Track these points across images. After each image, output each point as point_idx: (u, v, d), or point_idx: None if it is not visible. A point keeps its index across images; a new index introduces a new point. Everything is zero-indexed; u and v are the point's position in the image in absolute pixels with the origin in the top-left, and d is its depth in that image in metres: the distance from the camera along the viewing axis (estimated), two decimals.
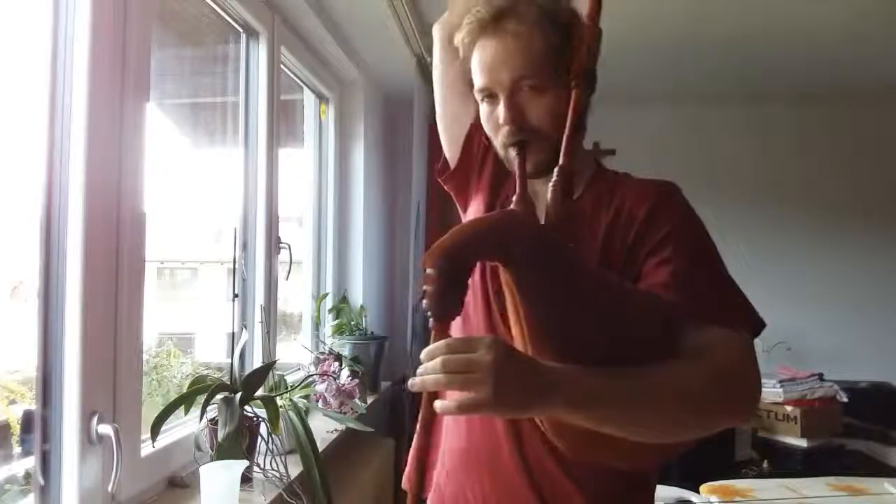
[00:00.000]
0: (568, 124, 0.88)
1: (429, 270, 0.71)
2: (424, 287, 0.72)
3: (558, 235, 0.81)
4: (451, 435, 1.00)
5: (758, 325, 0.85)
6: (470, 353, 0.70)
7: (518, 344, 0.77)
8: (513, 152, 0.92)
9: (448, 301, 0.72)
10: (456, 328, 1.00)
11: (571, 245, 0.81)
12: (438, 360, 0.70)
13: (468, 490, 0.95)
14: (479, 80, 0.93)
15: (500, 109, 0.91)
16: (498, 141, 0.95)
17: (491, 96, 0.93)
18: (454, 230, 0.73)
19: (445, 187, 1.15)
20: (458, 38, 0.95)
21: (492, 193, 1.05)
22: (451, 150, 1.13)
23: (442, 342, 0.72)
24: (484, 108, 0.95)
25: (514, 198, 0.91)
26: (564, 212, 0.86)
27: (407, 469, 1.03)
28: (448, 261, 0.70)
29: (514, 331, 0.78)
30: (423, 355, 0.73)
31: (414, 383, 0.73)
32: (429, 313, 0.73)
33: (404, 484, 1.02)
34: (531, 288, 0.73)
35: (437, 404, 0.72)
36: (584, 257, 0.87)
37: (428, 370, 0.71)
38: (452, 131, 1.11)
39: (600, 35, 0.89)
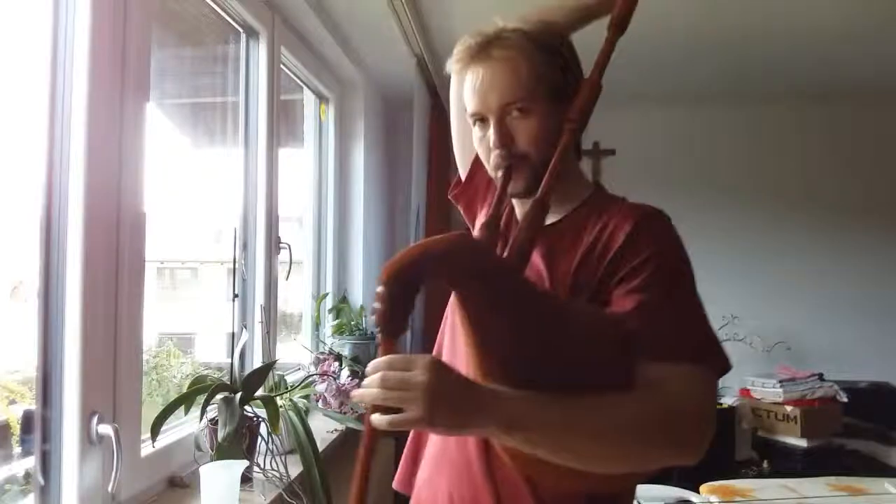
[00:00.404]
0: (553, 161, 0.90)
1: (378, 288, 0.74)
2: (374, 304, 0.74)
3: (510, 261, 0.84)
4: (432, 440, 1.02)
5: (723, 364, 0.85)
6: (407, 371, 0.73)
7: (471, 365, 0.79)
8: (499, 174, 0.95)
9: (395, 318, 0.74)
10: (447, 350, 1.02)
11: (521, 272, 0.84)
12: (378, 375, 0.74)
13: (439, 494, 0.96)
14: (469, 106, 0.96)
15: (490, 134, 0.93)
16: (490, 164, 0.97)
17: (482, 120, 0.95)
18: (407, 249, 0.76)
19: (456, 204, 1.17)
20: (449, 65, 0.98)
21: (490, 208, 1.08)
22: (462, 164, 1.18)
23: (384, 358, 0.76)
24: (476, 132, 0.97)
25: (483, 220, 0.94)
26: (529, 241, 0.86)
27: (398, 472, 1.04)
28: (395, 280, 0.73)
29: (467, 352, 0.80)
30: (367, 368, 0.77)
31: (355, 395, 0.77)
32: (377, 329, 0.76)
33: (394, 485, 1.05)
34: (473, 310, 0.75)
35: (374, 418, 0.75)
36: (555, 280, 0.88)
37: (369, 384, 0.75)
38: (465, 147, 1.14)
39: (600, 90, 0.92)
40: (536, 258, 0.91)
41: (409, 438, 1.06)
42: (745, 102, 3.33)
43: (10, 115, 1.13)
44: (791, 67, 2.87)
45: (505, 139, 0.92)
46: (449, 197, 1.18)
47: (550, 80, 0.92)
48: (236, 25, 1.83)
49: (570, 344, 0.78)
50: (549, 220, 0.94)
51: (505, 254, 0.94)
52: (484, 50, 0.92)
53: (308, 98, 2.53)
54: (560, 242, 0.92)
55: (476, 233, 0.91)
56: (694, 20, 2.32)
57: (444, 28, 2.43)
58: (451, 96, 1.16)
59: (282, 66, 2.04)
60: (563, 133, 0.91)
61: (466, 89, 0.95)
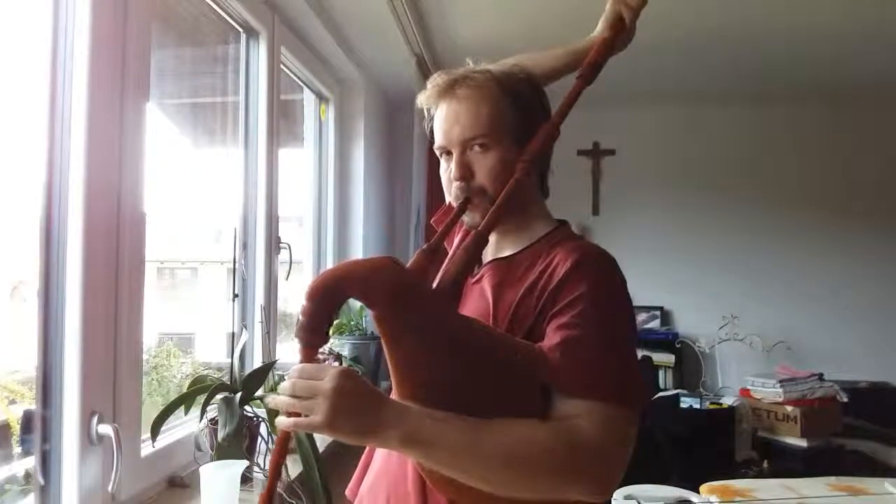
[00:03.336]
0: (500, 197, 0.93)
1: (303, 302, 0.78)
2: (299, 316, 0.79)
3: (439, 287, 0.87)
4: (378, 452, 1.03)
5: (641, 404, 0.86)
6: (316, 379, 0.77)
7: (392, 384, 0.83)
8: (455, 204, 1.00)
9: (315, 331, 0.79)
10: None
11: (450, 298, 0.87)
12: (289, 381, 0.79)
13: None
14: (436, 139, 1.01)
15: (452, 166, 0.99)
16: (451, 194, 1.02)
17: (447, 153, 1.00)
18: (332, 268, 0.81)
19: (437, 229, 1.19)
20: (420, 101, 1.03)
21: (457, 246, 1.12)
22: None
23: (297, 366, 0.80)
24: (442, 164, 1.03)
25: (425, 246, 0.96)
26: (462, 270, 0.89)
27: (351, 482, 1.06)
28: (318, 296, 0.78)
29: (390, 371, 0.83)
30: (286, 376, 0.81)
31: (269, 401, 0.78)
32: (298, 340, 0.80)
33: (346, 493, 1.06)
34: (386, 332, 0.79)
35: (279, 419, 0.80)
36: (499, 311, 0.91)
37: (282, 390, 0.80)
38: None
39: (558, 134, 0.98)
40: (487, 288, 0.95)
41: (365, 451, 1.06)
42: (745, 102, 3.33)
43: (10, 115, 1.13)
44: (791, 67, 2.87)
45: (464, 172, 0.97)
46: (431, 222, 1.22)
47: (513, 120, 0.97)
48: (236, 25, 1.83)
49: (487, 375, 0.81)
50: (507, 252, 1.00)
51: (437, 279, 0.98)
52: (451, 88, 0.98)
53: (308, 98, 2.53)
54: (510, 275, 0.95)
55: (413, 257, 0.94)
56: (694, 20, 2.32)
57: (444, 28, 2.43)
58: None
59: (282, 66, 2.04)
60: (516, 171, 0.95)
61: (435, 124, 1.01)
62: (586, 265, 0.90)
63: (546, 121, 1.01)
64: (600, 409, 0.81)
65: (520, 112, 0.98)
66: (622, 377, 0.86)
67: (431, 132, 1.03)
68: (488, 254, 1.04)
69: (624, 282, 0.93)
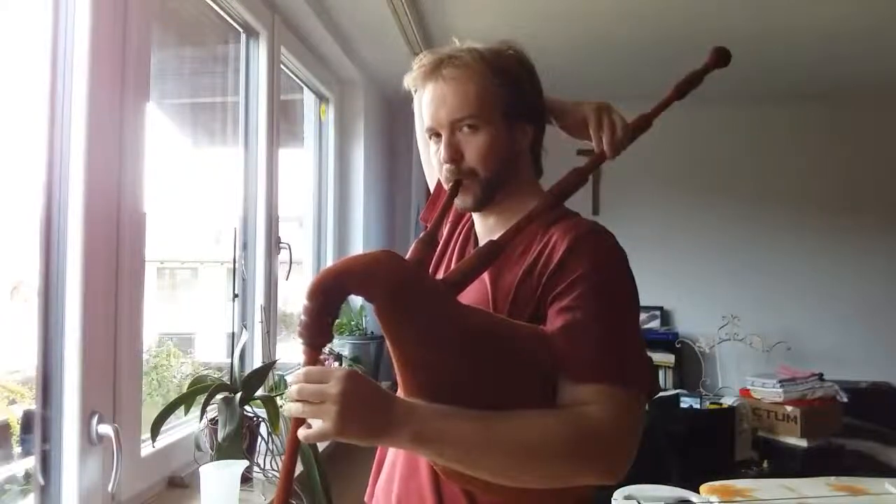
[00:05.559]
0: (522, 218, 0.90)
1: (304, 301, 0.76)
2: (301, 316, 0.77)
3: (446, 280, 0.85)
4: (389, 450, 1.02)
5: (647, 388, 0.86)
6: (322, 383, 0.75)
7: (398, 380, 0.81)
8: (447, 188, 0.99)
9: (319, 330, 0.77)
10: None
11: (453, 293, 0.84)
12: (295, 387, 0.77)
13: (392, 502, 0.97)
14: (425, 121, 1.00)
15: (441, 148, 0.97)
16: (441, 177, 1.01)
17: (437, 135, 0.99)
18: (331, 265, 0.79)
19: (427, 226, 1.18)
20: (407, 82, 1.02)
21: (451, 229, 1.12)
22: (429, 178, 1.25)
23: (302, 370, 0.78)
24: (431, 146, 1.01)
25: (423, 235, 0.96)
26: (472, 273, 0.87)
27: (368, 487, 1.04)
28: (319, 294, 0.75)
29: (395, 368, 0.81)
30: (290, 379, 0.78)
31: (283, 407, 0.76)
32: (301, 340, 0.78)
33: (365, 498, 1.05)
34: (389, 326, 0.77)
35: (300, 433, 0.78)
36: (498, 294, 0.91)
37: (288, 395, 0.78)
38: (428, 162, 1.19)
39: (585, 181, 0.96)
40: (484, 273, 0.92)
41: (377, 454, 1.06)
42: (745, 102, 3.33)
43: (10, 114, 1.13)
44: (791, 67, 2.87)
45: (453, 154, 0.95)
46: (420, 220, 1.21)
47: (502, 99, 0.95)
48: (236, 25, 1.83)
49: (492, 363, 0.80)
50: (501, 231, 0.96)
51: (441, 271, 0.99)
52: (437, 68, 0.96)
53: (308, 98, 2.53)
54: (506, 258, 0.92)
55: (412, 248, 0.93)
56: (693, 21, 2.32)
57: (444, 28, 2.43)
58: (415, 114, 1.20)
59: (282, 66, 2.04)
60: (540, 200, 0.93)
61: (423, 106, 0.99)
62: (583, 245, 0.89)
63: (537, 96, 1.00)
64: (607, 394, 0.80)
65: (509, 89, 0.95)
66: (626, 358, 0.85)
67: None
68: (482, 236, 1.02)
69: (624, 257, 0.91)
